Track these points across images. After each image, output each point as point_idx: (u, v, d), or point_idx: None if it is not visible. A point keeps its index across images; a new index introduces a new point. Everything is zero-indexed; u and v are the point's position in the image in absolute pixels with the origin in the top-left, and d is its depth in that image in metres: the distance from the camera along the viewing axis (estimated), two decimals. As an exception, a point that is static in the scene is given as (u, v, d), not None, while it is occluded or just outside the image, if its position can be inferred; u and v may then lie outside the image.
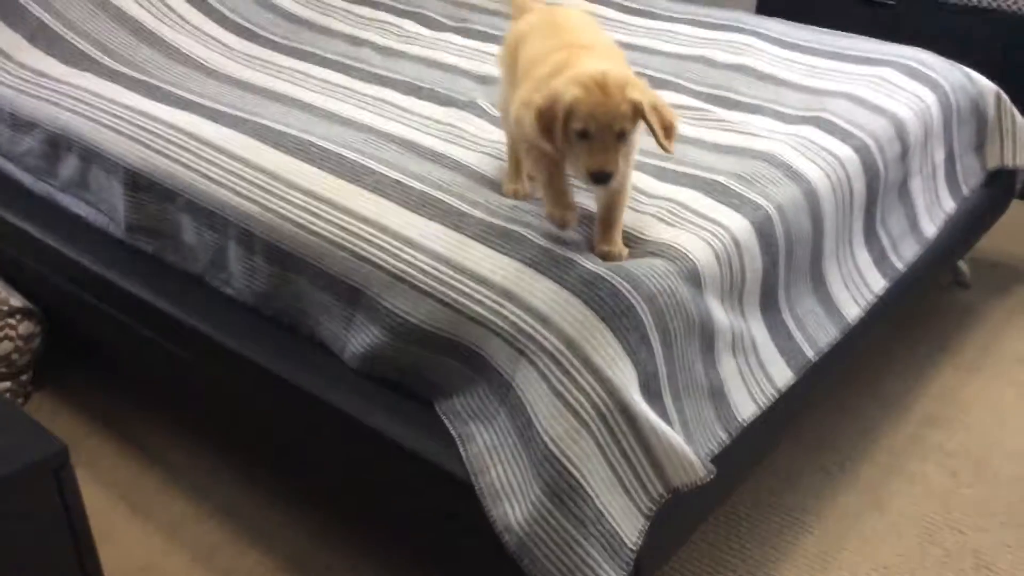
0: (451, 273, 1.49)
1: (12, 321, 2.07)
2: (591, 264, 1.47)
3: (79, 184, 2.04)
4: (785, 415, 1.72)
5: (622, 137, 1.39)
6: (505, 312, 1.43)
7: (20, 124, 2.13)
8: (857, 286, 1.91)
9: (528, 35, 1.65)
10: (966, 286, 2.61)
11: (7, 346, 2.07)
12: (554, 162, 1.49)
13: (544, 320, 1.40)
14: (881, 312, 1.96)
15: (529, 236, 1.54)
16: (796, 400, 1.72)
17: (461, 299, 1.46)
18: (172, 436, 2.10)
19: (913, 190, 2.11)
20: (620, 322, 1.40)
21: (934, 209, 2.17)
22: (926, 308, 2.51)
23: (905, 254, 2.04)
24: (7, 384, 2.11)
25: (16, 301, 2.09)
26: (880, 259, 1.98)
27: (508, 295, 1.44)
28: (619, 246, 1.53)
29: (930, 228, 2.13)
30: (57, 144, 2.05)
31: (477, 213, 1.61)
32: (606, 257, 1.52)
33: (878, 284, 1.94)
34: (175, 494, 1.96)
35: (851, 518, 1.89)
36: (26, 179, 2.17)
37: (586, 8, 1.82)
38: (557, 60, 1.49)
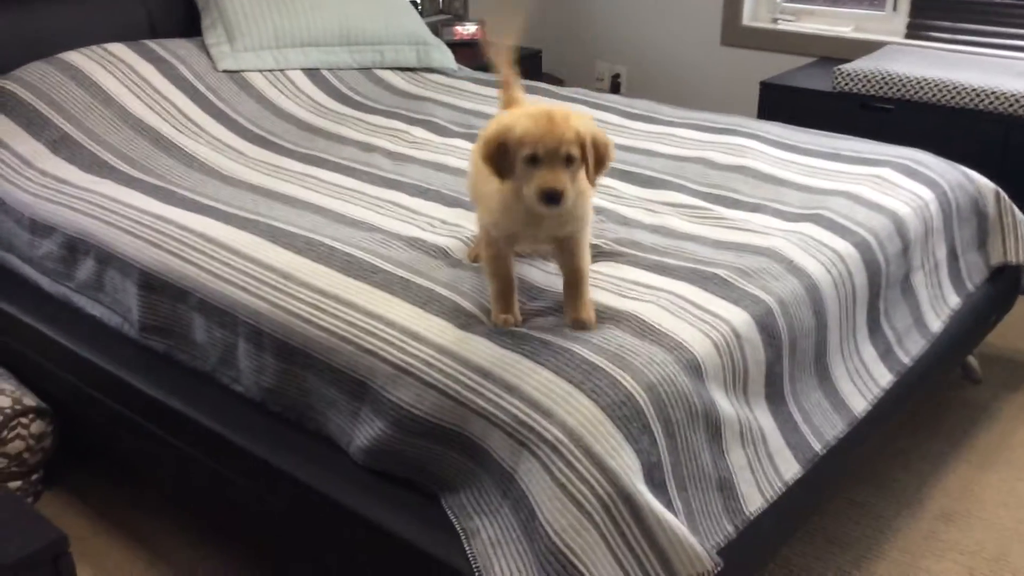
0: (454, 365, 1.51)
1: (25, 420, 2.09)
2: (590, 355, 1.49)
3: (95, 286, 2.09)
4: (795, 509, 1.70)
5: (570, 162, 1.45)
6: (506, 404, 1.44)
7: (39, 229, 2.20)
8: (864, 380, 1.91)
9: None
10: (976, 381, 2.59)
11: (19, 445, 2.08)
12: (504, 256, 1.58)
13: (545, 412, 1.41)
14: (890, 407, 1.95)
15: (529, 331, 1.57)
16: (806, 494, 1.70)
17: (464, 392, 1.47)
18: (179, 535, 2.09)
19: (916, 285, 2.13)
20: (620, 412, 1.41)
21: (939, 304, 2.18)
22: (937, 403, 2.50)
23: (911, 349, 2.05)
24: (18, 483, 2.11)
25: (29, 400, 2.12)
26: (886, 353, 1.99)
27: (509, 388, 1.45)
28: (589, 313, 1.58)
29: (936, 323, 2.14)
30: (75, 248, 2.11)
31: (479, 308, 1.64)
32: (577, 326, 1.57)
33: (884, 378, 1.94)
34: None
35: (867, 618, 1.85)
36: (43, 281, 2.22)
37: (582, 111, 1.88)
38: None
